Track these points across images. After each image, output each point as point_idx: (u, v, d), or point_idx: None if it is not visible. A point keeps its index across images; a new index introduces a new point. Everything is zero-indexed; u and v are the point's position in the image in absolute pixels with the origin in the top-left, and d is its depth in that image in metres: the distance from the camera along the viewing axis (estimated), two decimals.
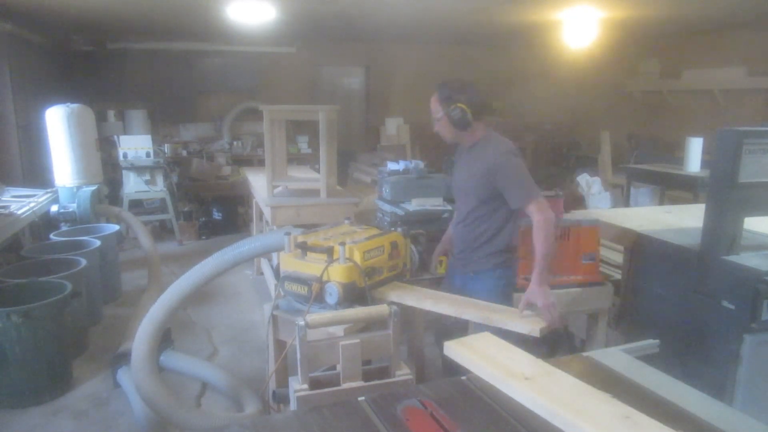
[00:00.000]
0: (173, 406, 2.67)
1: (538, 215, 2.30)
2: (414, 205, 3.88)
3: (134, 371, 2.70)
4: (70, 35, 7.58)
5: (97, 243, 4.30)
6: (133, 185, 6.50)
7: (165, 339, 3.21)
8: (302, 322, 1.62)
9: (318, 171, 4.76)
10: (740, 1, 5.51)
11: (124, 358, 3.26)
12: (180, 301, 2.66)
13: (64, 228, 4.82)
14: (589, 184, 6.31)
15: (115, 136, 6.74)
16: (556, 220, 2.41)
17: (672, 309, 2.51)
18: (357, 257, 2.17)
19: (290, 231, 2.37)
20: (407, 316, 2.42)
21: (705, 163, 5.07)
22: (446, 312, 2.23)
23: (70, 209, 4.93)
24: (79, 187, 5.08)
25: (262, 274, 5.23)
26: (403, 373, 1.71)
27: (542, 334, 2.08)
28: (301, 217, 4.03)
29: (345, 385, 1.65)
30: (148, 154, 6.52)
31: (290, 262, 2.27)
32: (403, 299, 2.25)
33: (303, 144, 8.52)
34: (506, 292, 2.53)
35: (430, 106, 2.49)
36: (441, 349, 2.64)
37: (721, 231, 2.27)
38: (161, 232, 6.97)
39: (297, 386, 1.62)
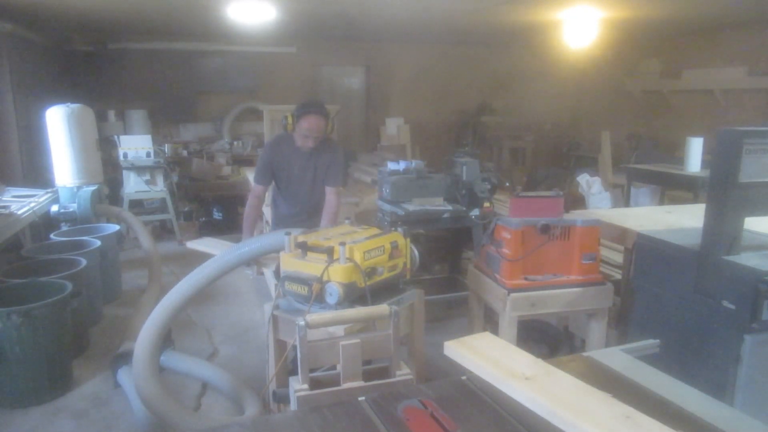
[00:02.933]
0: (174, 411, 2.68)
1: (335, 198, 3.56)
2: (414, 205, 3.88)
3: (136, 375, 2.70)
4: (70, 35, 7.58)
5: (98, 243, 4.30)
6: (133, 185, 6.50)
7: (165, 339, 3.21)
8: (302, 322, 1.62)
9: None
10: (740, 1, 5.51)
11: (124, 358, 3.26)
12: (182, 304, 2.67)
13: (64, 228, 4.82)
14: (589, 184, 6.31)
15: (116, 136, 6.73)
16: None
17: (672, 309, 2.51)
18: (357, 257, 2.17)
19: (290, 231, 2.37)
20: (408, 316, 2.42)
21: (705, 163, 5.06)
22: None
23: (71, 209, 4.93)
24: (79, 187, 5.08)
25: (262, 273, 5.23)
26: (403, 373, 1.71)
27: None
28: None
29: (345, 385, 1.65)
30: (148, 154, 6.52)
31: (290, 262, 2.27)
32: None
33: None
34: None
35: (311, 125, 3.31)
36: None
37: (722, 231, 2.27)
38: (161, 232, 6.97)
39: (297, 386, 1.62)
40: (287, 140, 3.47)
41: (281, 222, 3.69)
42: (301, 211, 3.62)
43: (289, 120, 3.35)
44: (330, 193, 3.50)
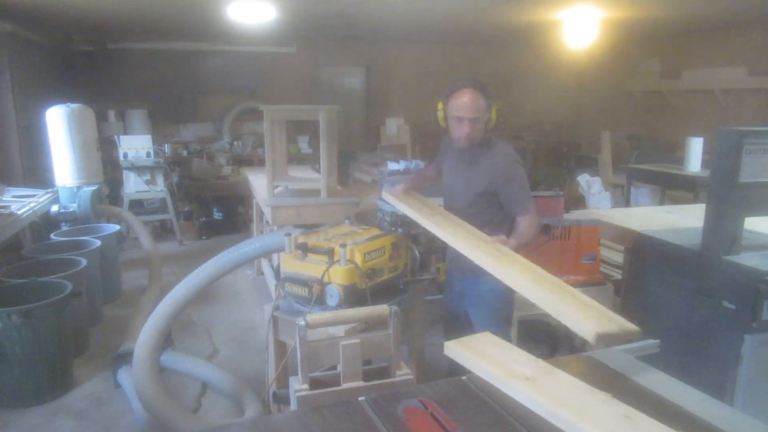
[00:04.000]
0: (173, 412, 2.68)
1: (530, 219, 2.40)
2: None
3: (136, 376, 2.71)
4: (70, 35, 7.57)
5: (98, 243, 4.30)
6: (133, 185, 6.50)
7: (165, 339, 3.21)
8: (303, 322, 1.62)
9: (318, 171, 4.76)
10: (740, 1, 5.51)
11: (124, 358, 3.26)
12: (182, 304, 2.67)
13: (64, 228, 4.82)
14: (589, 184, 6.31)
15: (116, 136, 6.73)
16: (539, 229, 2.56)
17: (672, 309, 2.51)
18: (358, 259, 2.17)
19: (290, 231, 2.37)
20: (407, 316, 2.42)
21: (705, 163, 5.07)
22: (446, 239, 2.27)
23: (71, 209, 4.93)
24: (79, 187, 5.09)
25: (262, 274, 5.24)
26: (404, 373, 1.71)
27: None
28: (302, 217, 4.02)
29: (345, 385, 1.65)
30: (148, 154, 6.52)
31: (291, 263, 2.27)
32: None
33: (303, 144, 8.52)
34: (509, 294, 2.47)
35: (467, 101, 2.37)
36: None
37: (722, 231, 2.27)
38: (161, 232, 6.97)
39: (297, 386, 1.62)
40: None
41: (449, 262, 2.73)
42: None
43: (440, 108, 2.50)
44: (520, 224, 2.41)
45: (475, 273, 2.34)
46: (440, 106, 2.48)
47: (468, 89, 2.38)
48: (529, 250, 2.69)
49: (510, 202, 2.42)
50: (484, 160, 2.44)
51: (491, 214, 2.47)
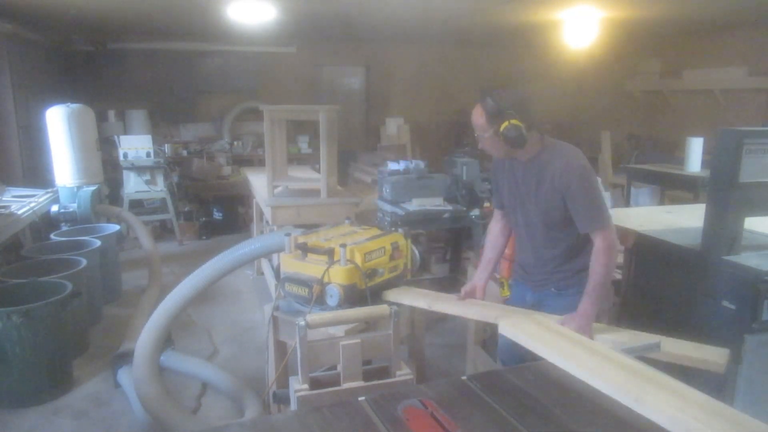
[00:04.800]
0: (173, 413, 2.68)
1: (603, 242, 2.06)
2: (414, 205, 3.88)
3: (136, 376, 2.71)
4: (70, 35, 7.57)
5: (98, 243, 4.30)
6: (133, 185, 6.50)
7: (165, 339, 3.21)
8: (303, 322, 1.62)
9: (318, 171, 4.76)
10: (740, 1, 5.51)
11: (124, 358, 3.27)
12: (183, 305, 2.67)
13: (64, 228, 4.82)
14: None
15: (116, 136, 6.74)
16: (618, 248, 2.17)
17: (672, 309, 2.51)
18: (358, 259, 2.17)
19: (290, 231, 2.37)
20: (407, 316, 2.42)
21: (705, 163, 5.07)
22: (445, 311, 2.23)
23: (71, 209, 4.93)
24: (79, 187, 5.09)
25: (262, 274, 5.24)
26: (404, 373, 1.71)
27: None
28: (302, 217, 4.03)
29: (345, 385, 1.65)
30: (148, 154, 6.52)
31: (291, 263, 2.27)
32: (402, 299, 2.25)
33: (303, 144, 8.52)
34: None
35: (473, 119, 2.17)
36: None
37: (722, 231, 2.27)
38: (161, 232, 6.97)
39: (297, 386, 1.62)
40: None
41: (514, 273, 2.52)
42: (535, 262, 2.32)
43: None
44: (594, 240, 2.09)
45: (560, 287, 2.26)
46: None
47: (478, 104, 2.17)
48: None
49: (577, 217, 2.09)
50: (548, 169, 2.13)
51: (569, 239, 2.18)
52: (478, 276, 2.38)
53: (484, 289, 2.32)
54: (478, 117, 2.15)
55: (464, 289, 2.31)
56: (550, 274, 2.26)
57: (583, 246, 2.17)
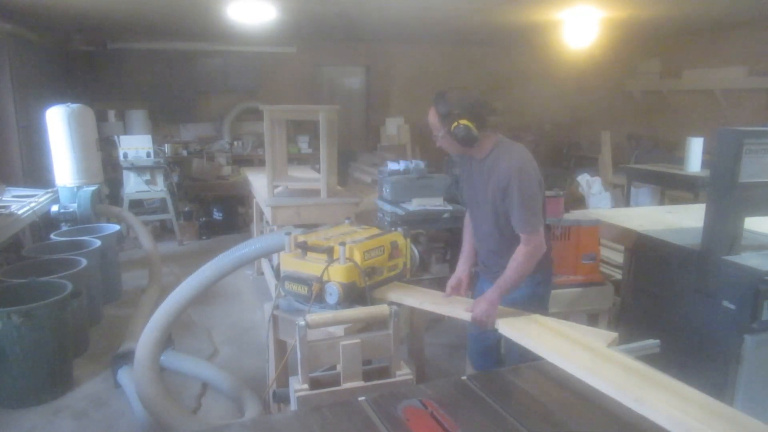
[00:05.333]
0: (173, 413, 2.68)
1: (526, 246, 2.14)
2: (414, 205, 3.87)
3: (136, 377, 2.71)
4: (70, 35, 7.57)
5: (98, 243, 4.30)
6: (133, 185, 6.50)
7: (166, 339, 3.21)
8: (302, 322, 1.62)
9: (318, 171, 4.76)
10: (740, 1, 5.51)
11: (124, 358, 3.27)
12: (183, 306, 2.67)
13: (64, 228, 4.82)
14: (589, 184, 6.31)
15: (116, 136, 6.74)
16: (541, 253, 2.21)
17: (672, 309, 2.51)
18: (357, 257, 2.17)
19: (290, 231, 2.37)
20: (407, 316, 2.42)
21: (705, 163, 5.07)
22: (444, 312, 2.23)
23: (71, 209, 4.93)
24: (79, 187, 5.09)
25: (262, 274, 5.24)
26: (404, 373, 1.71)
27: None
28: (302, 217, 4.02)
29: (345, 385, 1.65)
30: (148, 154, 6.52)
31: (290, 262, 2.27)
32: (402, 299, 2.26)
33: (303, 144, 8.52)
34: (544, 296, 2.41)
35: (428, 119, 2.25)
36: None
37: (722, 231, 2.27)
38: (161, 232, 6.97)
39: (297, 386, 1.62)
40: None
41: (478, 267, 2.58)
42: (491, 258, 2.42)
43: None
44: (522, 242, 2.18)
45: None
46: None
47: (432, 105, 2.23)
48: None
49: (512, 216, 2.18)
50: (494, 170, 2.23)
51: (514, 235, 2.21)
52: (460, 269, 2.44)
53: (467, 280, 2.40)
54: (432, 117, 2.23)
55: (449, 284, 2.35)
56: (502, 260, 2.27)
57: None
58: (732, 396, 2.21)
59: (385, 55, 9.10)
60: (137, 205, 6.69)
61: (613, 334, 1.77)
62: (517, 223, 2.16)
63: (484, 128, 2.21)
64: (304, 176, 4.82)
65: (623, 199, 6.27)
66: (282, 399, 1.88)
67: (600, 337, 1.74)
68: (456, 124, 2.15)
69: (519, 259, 2.14)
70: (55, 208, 4.95)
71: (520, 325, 1.90)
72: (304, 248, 2.24)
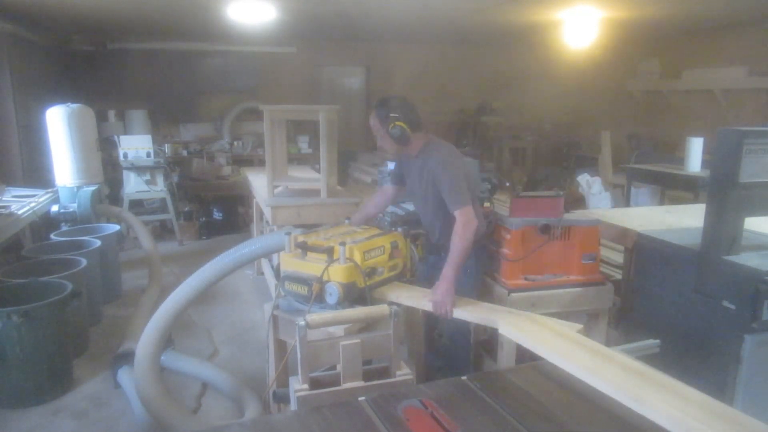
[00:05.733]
0: (174, 414, 2.68)
1: (460, 219, 2.46)
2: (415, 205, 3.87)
3: (137, 377, 2.71)
4: (70, 35, 7.58)
5: (98, 243, 4.30)
6: (133, 185, 6.50)
7: (166, 339, 3.21)
8: (302, 322, 1.62)
9: (318, 171, 4.76)
10: (740, 1, 5.51)
11: (124, 358, 3.27)
12: (184, 306, 2.67)
13: (64, 228, 4.82)
14: (589, 184, 6.31)
15: (116, 136, 6.74)
16: (479, 228, 2.57)
17: (672, 309, 2.51)
18: (357, 257, 2.17)
19: (290, 231, 2.37)
20: (407, 316, 2.42)
21: (705, 163, 5.07)
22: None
23: (71, 209, 4.93)
24: (79, 187, 5.09)
25: (262, 274, 5.24)
26: (404, 373, 1.71)
27: None
28: (302, 217, 4.02)
29: (345, 385, 1.65)
30: (148, 154, 6.52)
31: (290, 262, 2.27)
32: (402, 299, 2.26)
33: (303, 144, 8.52)
34: (478, 271, 2.77)
35: (370, 123, 2.67)
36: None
37: (722, 231, 2.27)
38: (162, 232, 6.97)
39: (297, 386, 1.62)
40: None
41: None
42: (438, 239, 2.79)
43: None
44: (456, 218, 2.51)
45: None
46: None
47: (372, 111, 2.67)
48: (529, 250, 2.69)
49: (445, 199, 2.53)
50: (430, 164, 2.62)
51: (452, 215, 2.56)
52: (357, 218, 2.84)
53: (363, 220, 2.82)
54: (374, 120, 2.65)
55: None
56: (444, 243, 2.61)
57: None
58: (732, 396, 2.20)
59: (385, 55, 9.11)
60: (137, 205, 6.68)
61: (578, 326, 1.86)
62: (449, 202, 2.52)
63: (416, 130, 2.62)
64: (304, 176, 4.82)
65: (623, 199, 6.26)
66: (282, 399, 1.89)
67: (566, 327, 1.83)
68: (393, 125, 2.57)
69: (458, 231, 2.45)
70: (55, 208, 4.95)
71: (520, 325, 1.90)
72: (304, 248, 2.24)
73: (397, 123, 2.56)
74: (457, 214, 2.47)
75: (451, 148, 2.69)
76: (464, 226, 2.44)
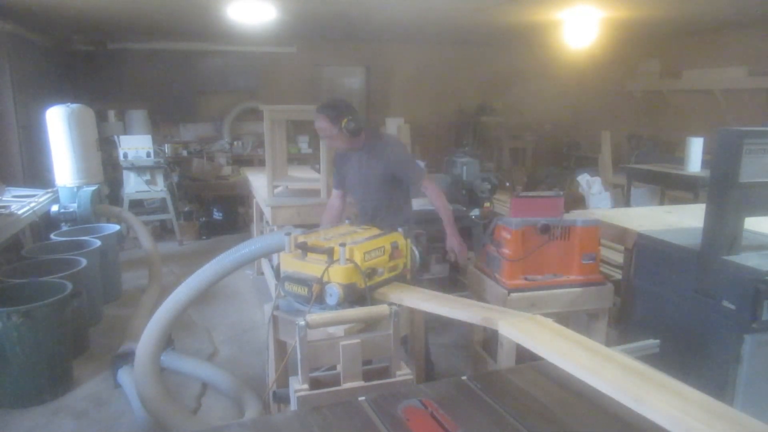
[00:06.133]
0: (174, 414, 2.68)
1: (429, 185, 2.96)
2: (414, 205, 3.87)
3: (137, 377, 2.71)
4: (70, 35, 7.58)
5: (98, 243, 4.30)
6: (133, 185, 6.50)
7: (167, 339, 3.21)
8: (303, 322, 1.62)
9: (318, 171, 4.76)
10: (740, 0, 5.51)
11: (124, 358, 3.27)
12: (184, 306, 2.67)
13: (64, 228, 4.82)
14: (589, 184, 6.31)
15: (116, 136, 6.74)
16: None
17: (672, 309, 2.51)
18: (357, 258, 2.17)
19: (290, 231, 2.37)
20: (407, 316, 2.42)
21: (705, 163, 5.06)
22: (444, 313, 2.23)
23: (71, 209, 4.93)
24: (79, 187, 5.09)
25: (262, 274, 5.24)
26: (404, 373, 1.71)
27: None
28: (302, 217, 4.03)
29: (345, 385, 1.64)
30: (148, 154, 6.53)
31: (290, 263, 2.27)
32: (402, 300, 2.25)
33: (303, 144, 8.52)
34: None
35: (317, 125, 2.96)
36: None
37: (722, 231, 2.27)
38: (161, 232, 6.98)
39: (297, 386, 1.62)
40: None
41: None
42: (367, 217, 3.12)
43: None
44: (425, 189, 3.00)
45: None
46: None
47: (318, 115, 2.95)
48: (529, 250, 2.69)
49: (408, 175, 3.00)
50: (377, 152, 2.97)
51: (396, 197, 3.06)
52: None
53: None
54: (323, 122, 2.93)
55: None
56: (383, 223, 2.84)
57: (403, 203, 3.13)
58: (732, 396, 2.20)
59: (385, 55, 9.11)
60: (137, 205, 6.69)
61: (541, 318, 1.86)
62: (413, 178, 2.99)
63: (360, 123, 2.94)
64: (304, 176, 4.82)
65: (623, 199, 6.26)
66: (282, 399, 1.89)
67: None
68: (346, 120, 2.85)
69: (435, 196, 2.97)
70: (55, 208, 4.95)
71: (519, 324, 1.89)
72: (304, 249, 2.24)
73: (348, 118, 2.86)
74: (425, 183, 2.94)
75: (393, 135, 3.07)
76: (436, 190, 2.95)
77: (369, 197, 3.08)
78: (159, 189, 6.58)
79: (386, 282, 2.33)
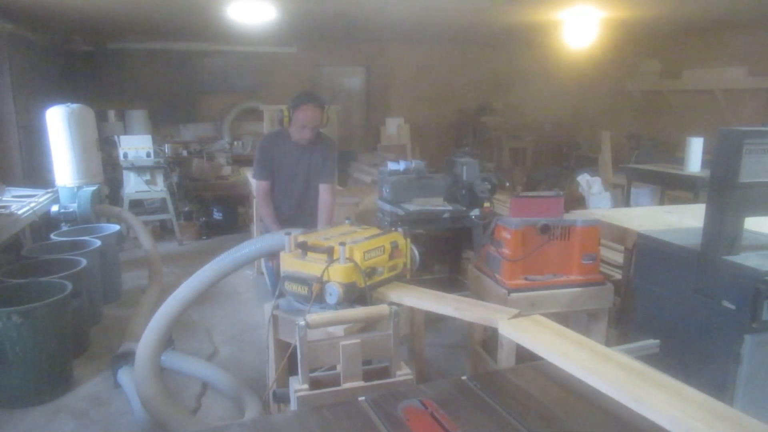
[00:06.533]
0: (174, 414, 2.68)
1: (329, 195, 3.25)
2: (414, 205, 3.87)
3: (137, 377, 2.71)
4: (70, 35, 7.58)
5: (98, 243, 4.30)
6: (133, 185, 6.50)
7: (167, 340, 3.21)
8: (303, 322, 1.62)
9: None
10: (740, 0, 5.51)
11: (124, 358, 3.27)
12: (184, 306, 2.67)
13: (64, 228, 4.82)
14: (589, 184, 6.31)
15: (116, 136, 6.74)
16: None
17: (672, 309, 2.51)
18: (357, 257, 2.17)
19: (290, 231, 2.37)
20: (407, 316, 2.41)
21: (705, 163, 5.06)
22: (444, 312, 2.23)
23: (71, 209, 4.93)
24: (79, 187, 5.09)
25: (262, 273, 5.23)
26: (404, 373, 1.71)
27: None
28: None
29: (345, 385, 1.64)
30: (148, 154, 6.52)
31: (290, 262, 2.27)
32: (402, 299, 2.25)
33: None
34: None
35: (311, 115, 3.10)
36: None
37: (722, 231, 2.27)
38: (162, 232, 6.97)
39: (297, 386, 1.62)
40: (282, 135, 3.27)
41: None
42: (297, 213, 3.31)
43: (285, 113, 3.17)
44: (324, 191, 3.25)
45: (310, 223, 3.18)
46: (286, 111, 3.15)
47: (311, 105, 3.11)
48: (529, 250, 2.69)
49: (326, 174, 3.25)
50: (321, 148, 3.24)
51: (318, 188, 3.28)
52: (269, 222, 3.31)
53: None
54: (318, 111, 3.13)
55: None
56: (308, 215, 3.28)
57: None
58: (732, 396, 2.20)
59: (385, 55, 9.11)
60: (137, 205, 6.69)
61: (513, 311, 1.89)
62: (329, 178, 3.27)
63: None
64: None
65: (623, 199, 6.26)
66: (282, 399, 1.88)
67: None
68: (327, 108, 3.17)
69: (329, 200, 3.26)
70: (55, 208, 4.95)
71: (519, 325, 1.90)
72: (304, 248, 2.24)
73: (330, 108, 3.15)
74: (327, 189, 3.24)
75: (331, 137, 3.48)
76: (330, 202, 3.25)
77: (298, 186, 3.29)
78: (159, 189, 6.57)
79: (386, 281, 2.33)
